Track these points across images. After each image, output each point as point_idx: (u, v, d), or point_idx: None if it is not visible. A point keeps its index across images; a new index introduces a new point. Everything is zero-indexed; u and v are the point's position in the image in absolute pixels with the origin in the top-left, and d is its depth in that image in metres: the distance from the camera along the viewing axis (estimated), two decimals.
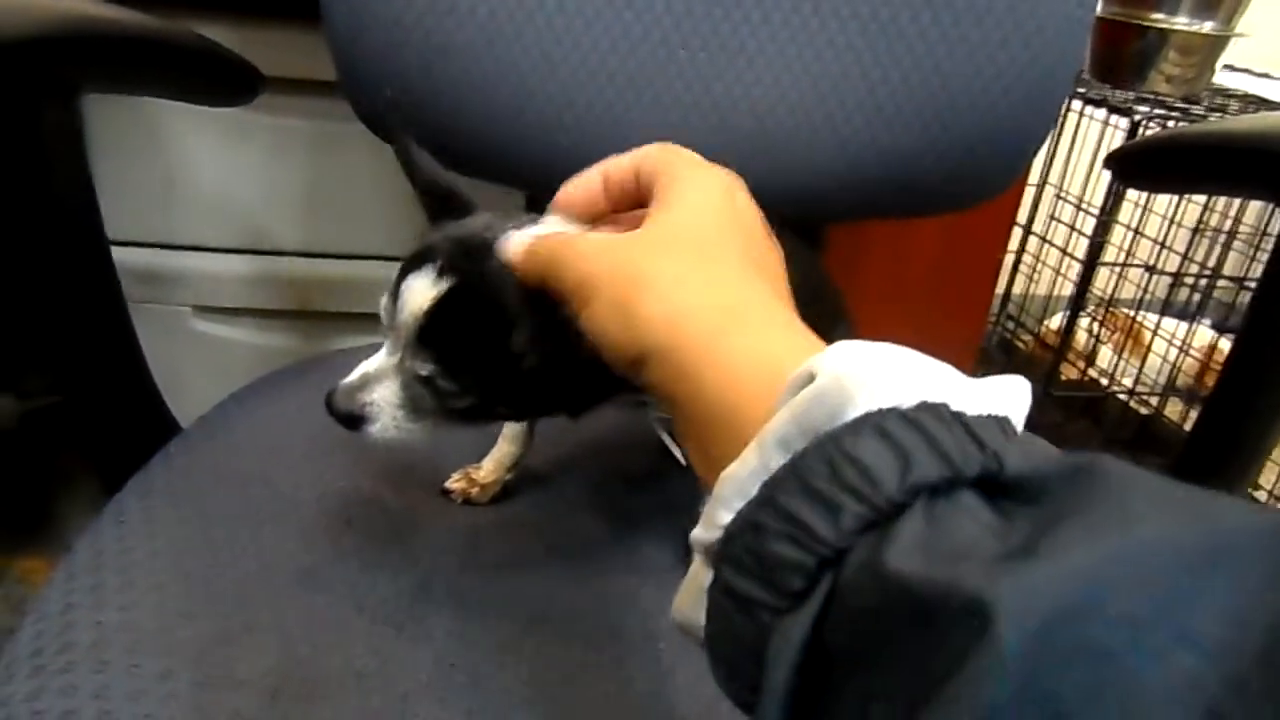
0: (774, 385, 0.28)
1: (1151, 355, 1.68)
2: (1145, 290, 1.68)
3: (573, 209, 0.44)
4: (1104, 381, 1.72)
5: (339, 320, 1.13)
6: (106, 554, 0.50)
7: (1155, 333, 1.66)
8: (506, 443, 0.59)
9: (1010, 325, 1.90)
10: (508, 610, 0.50)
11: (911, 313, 1.32)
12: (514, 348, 0.43)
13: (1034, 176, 1.68)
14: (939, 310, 1.36)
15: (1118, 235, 1.59)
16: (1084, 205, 1.65)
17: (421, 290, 0.43)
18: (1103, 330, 1.72)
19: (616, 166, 0.43)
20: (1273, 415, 0.63)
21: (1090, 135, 1.60)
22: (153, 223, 1.06)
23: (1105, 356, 1.74)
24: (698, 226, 0.37)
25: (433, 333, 0.43)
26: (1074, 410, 1.75)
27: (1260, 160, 0.63)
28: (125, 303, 0.61)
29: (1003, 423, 0.25)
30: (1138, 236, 1.59)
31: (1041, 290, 1.84)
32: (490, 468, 0.59)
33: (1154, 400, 1.70)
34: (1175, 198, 1.60)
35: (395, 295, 0.44)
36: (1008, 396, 0.27)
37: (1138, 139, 1.33)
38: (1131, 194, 1.55)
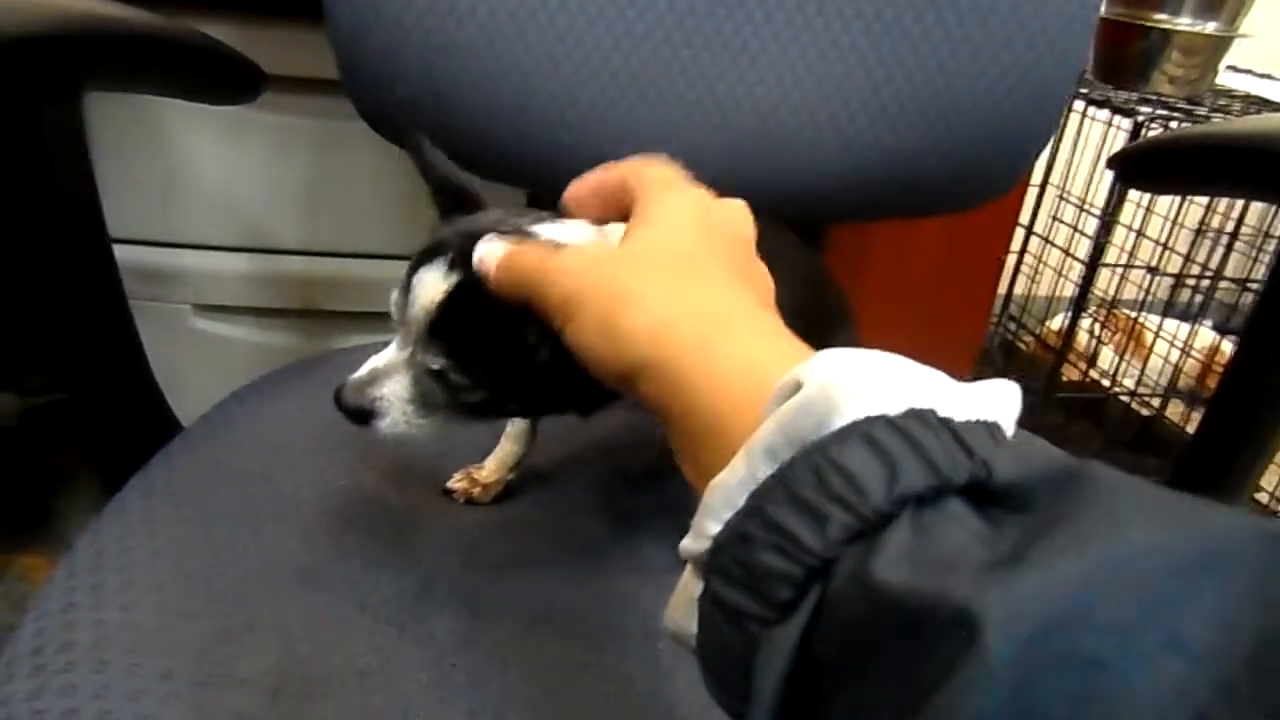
0: (761, 393, 0.28)
1: (1153, 357, 1.68)
2: (1147, 291, 1.68)
3: (583, 207, 0.44)
4: (1105, 383, 1.72)
5: (340, 319, 1.13)
6: (107, 553, 0.49)
7: (1157, 334, 1.66)
8: (509, 442, 0.59)
9: (1012, 326, 1.90)
10: (509, 610, 0.50)
11: (914, 313, 1.32)
12: (529, 341, 0.42)
13: (1036, 177, 1.68)
14: (941, 311, 1.36)
15: (1119, 236, 1.59)
16: (1086, 206, 1.65)
17: (433, 284, 0.42)
18: (1104, 331, 1.72)
19: (611, 175, 0.43)
20: (1275, 418, 0.63)
21: (1092, 136, 1.60)
22: (154, 221, 1.06)
23: (1107, 358, 1.74)
24: (676, 240, 0.37)
25: (445, 326, 0.43)
26: (1075, 411, 1.75)
27: (1263, 161, 0.62)
28: (127, 301, 0.61)
29: (992, 428, 0.25)
30: (1139, 238, 1.59)
31: (1042, 291, 1.84)
32: (493, 467, 0.59)
33: (1155, 402, 1.70)
34: (1177, 199, 1.60)
35: (406, 289, 0.44)
36: (997, 401, 0.26)
37: (1141, 140, 1.33)
38: (1133, 195, 1.55)
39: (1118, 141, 1.56)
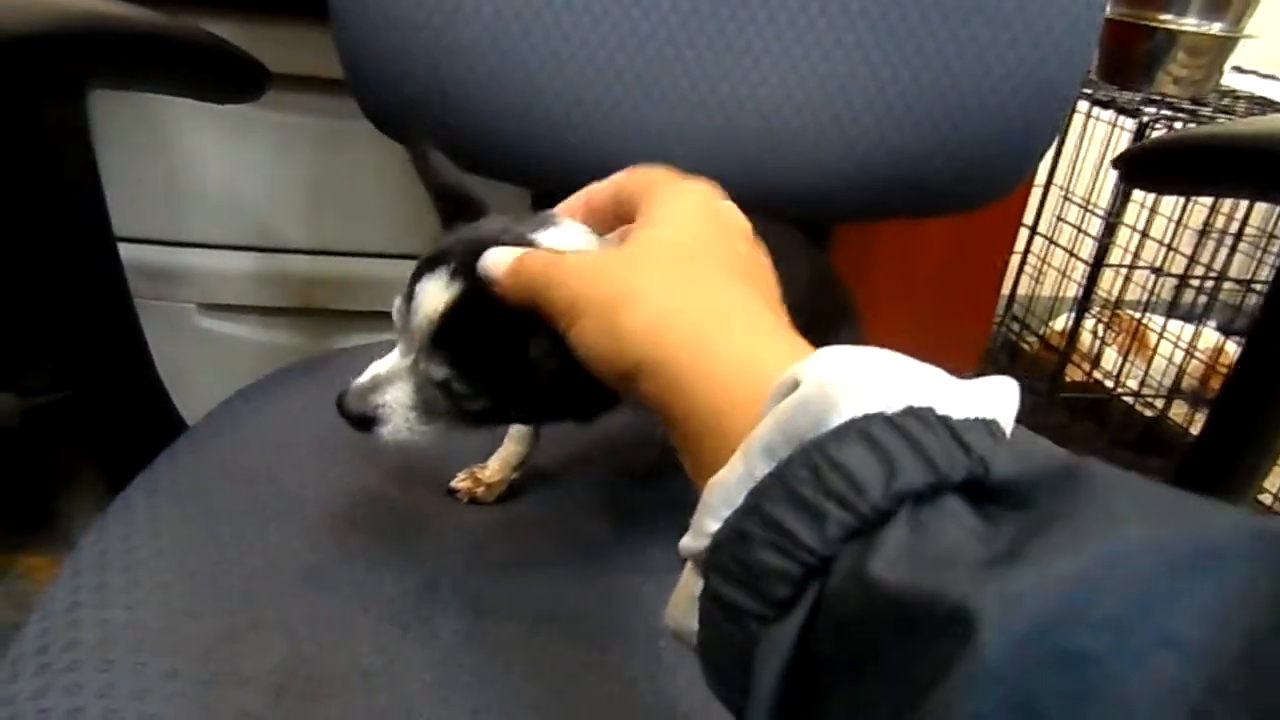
0: (759, 391, 0.28)
1: (1157, 357, 1.67)
2: (1151, 292, 1.67)
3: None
4: (1109, 384, 1.72)
5: (344, 318, 1.13)
6: (112, 552, 0.49)
7: (1161, 335, 1.66)
8: (513, 442, 0.59)
9: (1015, 327, 1.90)
10: (514, 609, 0.50)
11: (919, 313, 1.32)
12: (532, 353, 0.42)
13: (1040, 177, 1.68)
14: (946, 311, 1.36)
15: (1123, 236, 1.59)
16: (1090, 206, 1.65)
17: (436, 293, 0.42)
18: (1108, 332, 1.72)
19: (597, 192, 0.44)
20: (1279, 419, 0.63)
21: (1096, 136, 1.60)
22: (158, 219, 1.06)
23: (1110, 358, 1.73)
24: (678, 238, 0.37)
25: (447, 336, 0.43)
26: (1079, 412, 1.75)
27: (1268, 162, 0.62)
28: (132, 299, 0.61)
29: (990, 425, 0.25)
30: (1143, 238, 1.59)
31: (1045, 291, 1.84)
32: (496, 467, 0.59)
33: (1159, 403, 1.70)
34: (1181, 199, 1.60)
35: (409, 298, 0.44)
36: (996, 398, 0.27)
37: (1146, 141, 1.33)
38: (1137, 195, 1.55)
39: (1121, 142, 1.56)
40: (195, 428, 0.63)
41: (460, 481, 0.58)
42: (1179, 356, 1.66)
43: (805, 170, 0.72)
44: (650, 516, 0.59)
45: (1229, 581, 0.19)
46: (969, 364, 1.41)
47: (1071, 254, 1.68)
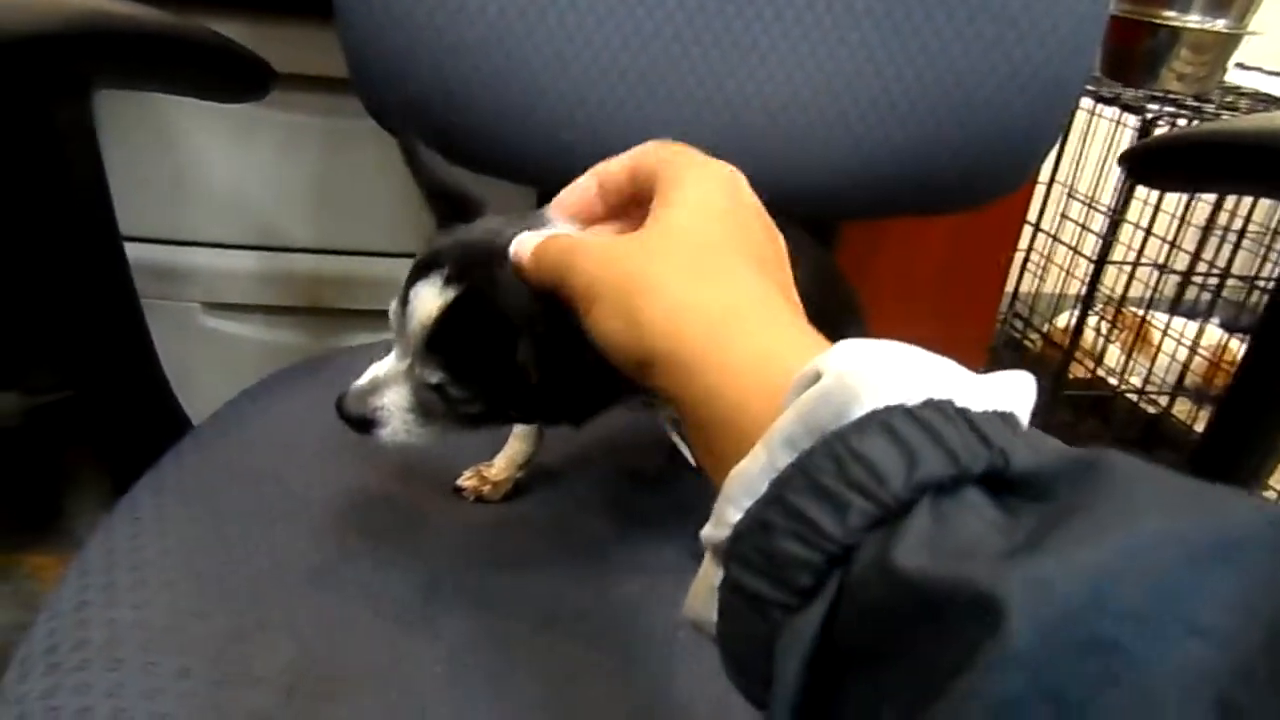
0: (776, 384, 0.28)
1: (1161, 355, 1.67)
2: (1154, 289, 1.67)
3: (568, 215, 0.44)
4: (1113, 381, 1.72)
5: (349, 317, 1.13)
6: (119, 551, 0.50)
7: (1165, 332, 1.66)
8: (518, 440, 0.59)
9: (1018, 324, 1.89)
10: (520, 609, 0.50)
11: (922, 311, 1.32)
12: (519, 356, 0.42)
13: (1043, 174, 1.68)
14: (950, 309, 1.36)
15: (1126, 233, 1.59)
16: (1093, 203, 1.64)
17: (429, 298, 0.43)
18: (1112, 330, 1.72)
19: (610, 170, 0.43)
20: None
21: (1099, 133, 1.60)
22: (162, 219, 1.06)
23: (1114, 355, 1.73)
24: (698, 225, 0.37)
25: (441, 341, 0.43)
26: (1083, 409, 1.74)
27: (1272, 159, 0.62)
28: (138, 298, 0.61)
29: (1009, 418, 0.26)
30: (1147, 235, 1.59)
31: (1048, 289, 1.84)
32: (502, 465, 0.59)
33: (1163, 400, 1.69)
34: (1184, 196, 1.59)
35: (404, 301, 0.44)
36: (1013, 392, 0.27)
37: (1151, 138, 1.33)
38: (1140, 192, 1.55)
39: (1124, 138, 1.56)
40: (201, 427, 0.63)
41: (466, 480, 0.58)
42: (1183, 353, 1.65)
43: (810, 168, 0.72)
44: (657, 516, 0.59)
45: (1251, 571, 0.19)
46: (975, 361, 1.41)
47: (1075, 251, 1.68)
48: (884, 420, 0.24)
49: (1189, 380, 1.67)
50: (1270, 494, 1.43)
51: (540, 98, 0.68)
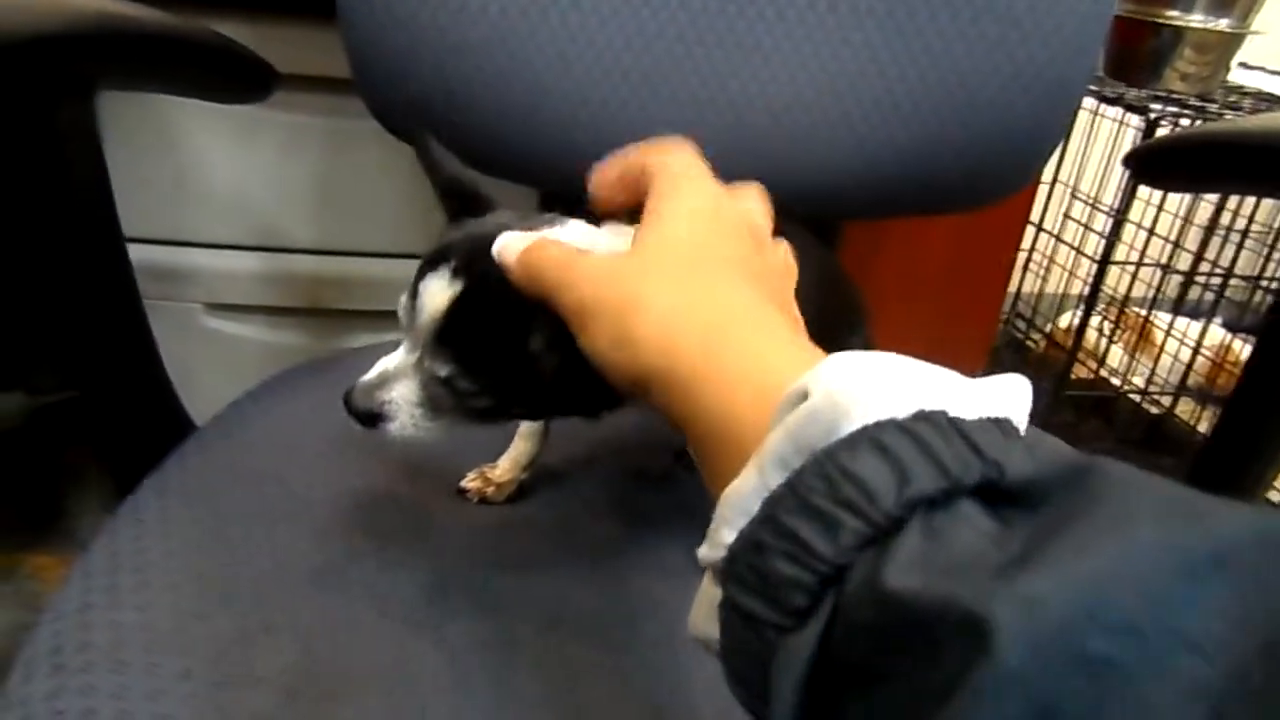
0: (768, 399, 0.28)
1: (1164, 355, 1.67)
2: (1157, 289, 1.67)
3: (608, 192, 0.43)
4: (1116, 381, 1.71)
5: (351, 318, 1.13)
6: (122, 553, 0.49)
7: (1168, 332, 1.65)
8: (522, 441, 0.59)
9: (1020, 324, 1.89)
10: (525, 610, 0.50)
11: (925, 311, 1.32)
12: (531, 350, 0.42)
13: (1046, 174, 1.68)
14: (953, 308, 1.36)
15: (1128, 233, 1.58)
16: (1095, 203, 1.64)
17: (439, 291, 0.42)
18: (1114, 330, 1.71)
19: (634, 157, 0.43)
20: None
21: (1101, 132, 1.59)
22: (164, 219, 1.06)
23: (1116, 356, 1.73)
24: (686, 241, 0.37)
25: (451, 334, 0.43)
26: (1085, 410, 1.74)
27: (1278, 160, 0.62)
28: (141, 299, 0.61)
29: (1003, 425, 0.25)
30: (1149, 235, 1.58)
31: (1050, 289, 1.83)
32: (506, 466, 0.59)
33: (1166, 400, 1.69)
34: (1187, 196, 1.59)
35: (414, 295, 0.44)
36: (1008, 396, 0.26)
37: (1155, 138, 1.33)
38: (1143, 192, 1.55)
39: (1127, 138, 1.56)
40: (204, 429, 0.63)
41: (470, 481, 0.58)
42: (1185, 354, 1.65)
43: (814, 168, 0.72)
44: (662, 518, 0.59)
45: (1243, 582, 0.19)
46: (977, 362, 1.41)
47: (1079, 251, 1.68)
48: (874, 436, 0.24)
49: (1192, 380, 1.67)
50: (1276, 497, 1.42)
51: (543, 98, 0.67)
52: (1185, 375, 1.66)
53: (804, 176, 0.72)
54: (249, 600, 0.48)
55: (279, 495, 0.56)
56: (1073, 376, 1.64)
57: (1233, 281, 1.67)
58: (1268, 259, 1.69)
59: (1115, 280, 1.65)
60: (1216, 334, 1.67)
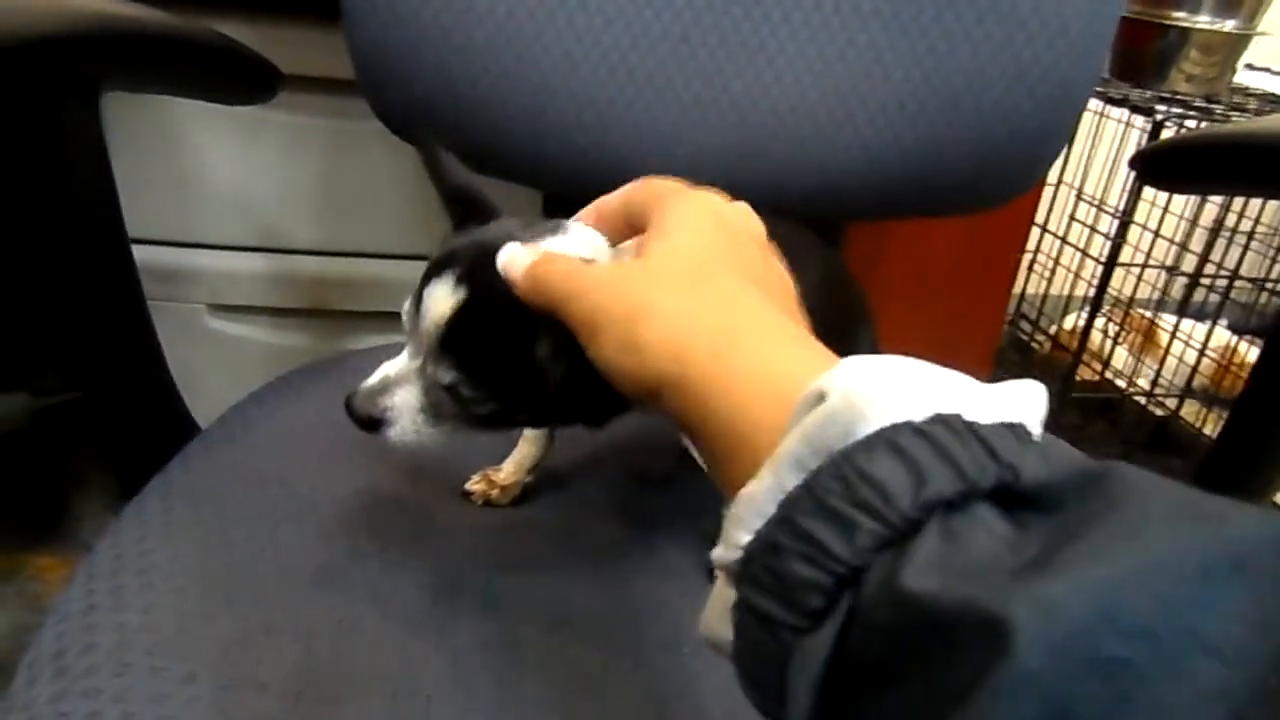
0: (779, 403, 0.28)
1: (1169, 357, 1.67)
2: (1163, 291, 1.67)
3: (608, 222, 0.44)
4: (1121, 383, 1.71)
5: (355, 319, 1.13)
6: (126, 556, 0.49)
7: (1173, 334, 1.65)
8: (526, 444, 0.59)
9: (1025, 326, 1.89)
10: (529, 613, 0.50)
11: (930, 313, 1.31)
12: (537, 358, 0.42)
13: (1050, 176, 1.67)
14: (957, 310, 1.35)
15: (1133, 235, 1.58)
16: (1100, 204, 1.64)
17: (444, 298, 0.42)
18: (1119, 331, 1.71)
19: (607, 205, 0.44)
20: None
21: (1105, 134, 1.59)
22: (168, 220, 1.06)
23: (1121, 358, 1.73)
24: (691, 249, 0.37)
25: (455, 341, 0.43)
26: (1091, 412, 1.74)
27: None
28: (144, 300, 0.61)
29: (1018, 430, 0.25)
30: (1153, 237, 1.58)
31: (1054, 290, 1.83)
32: (510, 469, 0.59)
33: (1171, 402, 1.69)
34: (1192, 198, 1.59)
35: (418, 301, 0.44)
36: (1023, 402, 0.27)
37: (1162, 140, 1.32)
38: (1148, 193, 1.54)
39: (1131, 139, 1.55)
40: (208, 431, 0.63)
41: (474, 484, 0.58)
42: (1191, 356, 1.65)
43: (818, 170, 0.72)
44: (665, 519, 0.59)
45: (1261, 585, 0.19)
46: (982, 363, 1.41)
47: (1084, 253, 1.67)
48: (891, 439, 0.24)
49: (1197, 382, 1.66)
50: None
51: (549, 99, 0.67)
52: (1190, 377, 1.66)
53: (808, 178, 0.72)
54: (253, 602, 0.47)
55: (283, 497, 0.56)
56: (1077, 378, 1.64)
57: (1238, 283, 1.67)
58: (1273, 261, 1.69)
59: (1120, 282, 1.64)
60: (1222, 336, 1.67)
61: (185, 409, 0.65)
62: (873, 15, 0.68)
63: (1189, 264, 1.66)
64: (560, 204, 0.47)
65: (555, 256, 0.41)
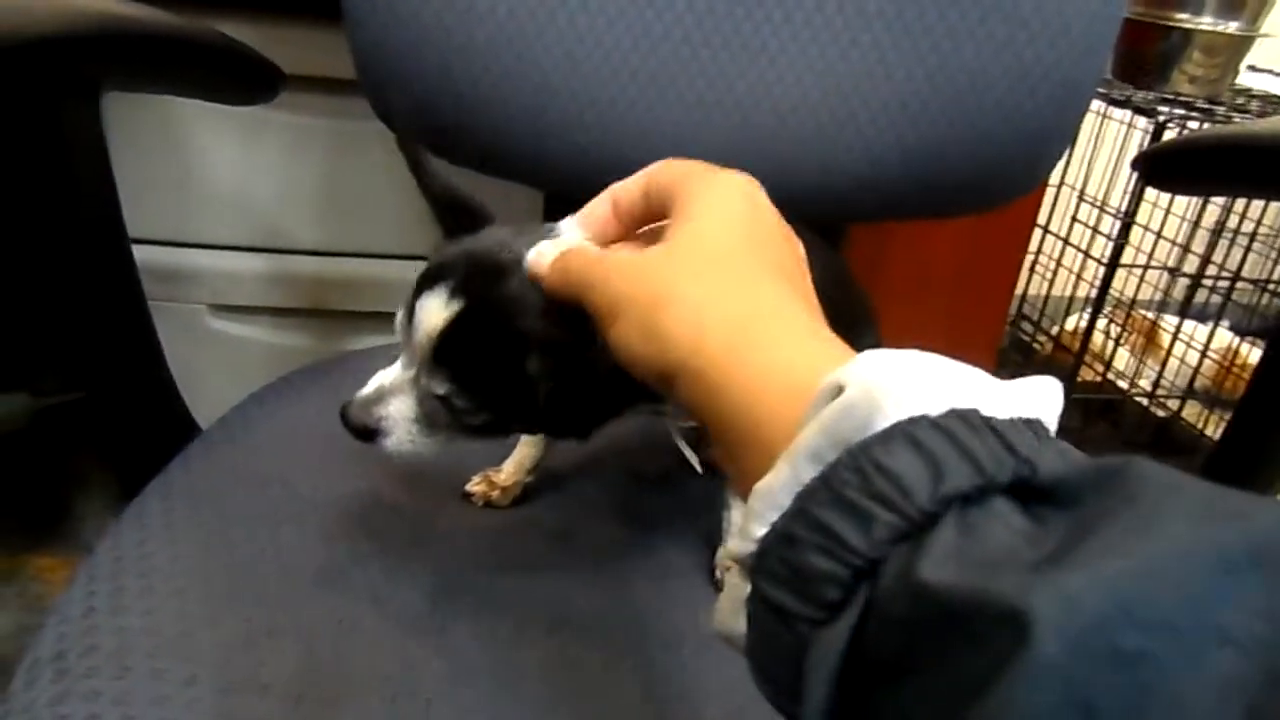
0: (796, 397, 0.28)
1: (1170, 358, 1.66)
2: (1165, 293, 1.66)
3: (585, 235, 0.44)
4: (1122, 384, 1.71)
5: (355, 319, 1.13)
6: (127, 558, 0.49)
7: (1175, 336, 1.65)
8: (526, 445, 0.59)
9: (1026, 327, 1.89)
10: (529, 614, 0.50)
11: (933, 314, 1.31)
12: (529, 371, 0.42)
13: (1052, 177, 1.67)
14: (960, 311, 1.35)
15: (1135, 236, 1.58)
16: (1102, 206, 1.64)
17: (436, 310, 0.42)
18: (1121, 333, 1.71)
19: (625, 189, 0.43)
20: None
21: (1107, 135, 1.59)
22: (169, 220, 1.06)
23: (1123, 359, 1.72)
24: (718, 236, 0.37)
25: (448, 353, 0.43)
26: (1092, 413, 1.74)
27: None
28: (145, 301, 0.61)
29: (1034, 425, 0.25)
30: (1155, 238, 1.58)
31: (1056, 291, 1.83)
32: (510, 470, 0.59)
33: (1173, 403, 1.69)
34: (1194, 199, 1.58)
35: (410, 311, 0.43)
36: (1039, 398, 0.26)
37: (1165, 141, 1.32)
38: (1149, 194, 1.54)
39: (1133, 140, 1.55)
40: (209, 431, 0.63)
41: (475, 485, 0.58)
42: (1193, 357, 1.65)
43: (820, 170, 0.72)
44: (665, 519, 0.59)
45: (1277, 575, 0.19)
46: (984, 364, 1.40)
47: (1086, 254, 1.67)
48: (908, 431, 0.24)
49: (1199, 384, 1.66)
50: None
51: (550, 99, 0.67)
52: (1192, 378, 1.66)
53: (810, 178, 0.71)
54: (253, 604, 0.47)
55: (283, 498, 0.56)
56: (1079, 379, 1.63)
57: (1240, 285, 1.66)
58: (1275, 262, 1.69)
59: (1122, 283, 1.64)
60: (1224, 337, 1.67)
61: (186, 409, 0.65)
62: (875, 15, 0.67)
63: (1191, 265, 1.66)
64: (561, 204, 0.47)
65: (581, 248, 0.41)
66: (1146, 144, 1.47)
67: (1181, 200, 1.58)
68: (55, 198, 0.55)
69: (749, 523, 0.27)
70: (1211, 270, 1.64)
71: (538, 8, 0.65)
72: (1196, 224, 1.59)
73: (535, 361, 0.42)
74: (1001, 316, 1.47)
